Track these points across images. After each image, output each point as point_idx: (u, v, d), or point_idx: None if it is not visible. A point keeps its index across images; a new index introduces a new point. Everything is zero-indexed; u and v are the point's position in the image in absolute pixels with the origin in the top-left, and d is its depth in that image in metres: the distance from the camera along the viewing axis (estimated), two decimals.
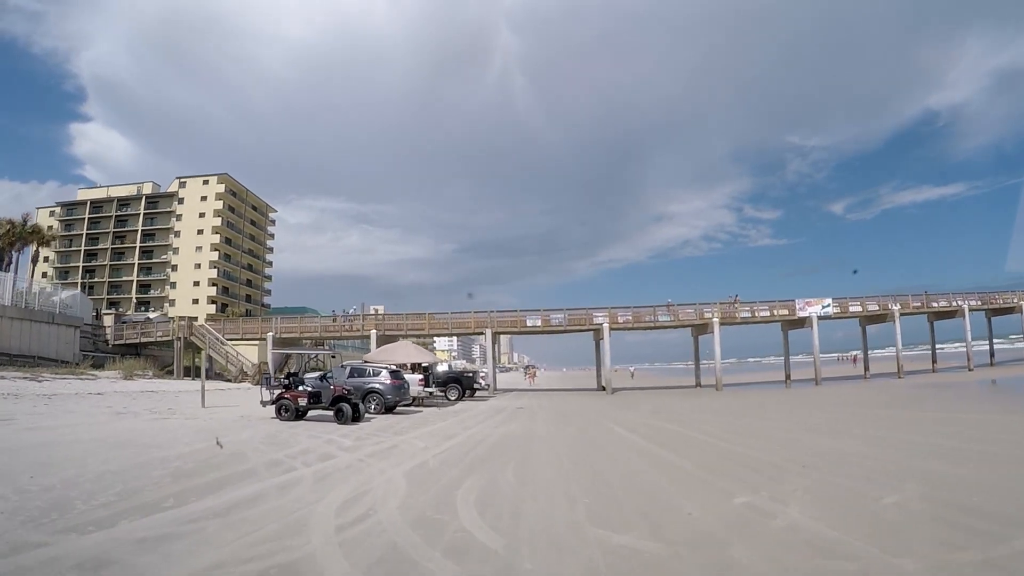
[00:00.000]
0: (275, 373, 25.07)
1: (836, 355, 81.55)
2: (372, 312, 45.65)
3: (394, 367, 21.89)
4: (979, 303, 42.65)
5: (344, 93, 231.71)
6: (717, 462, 9.31)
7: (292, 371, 19.20)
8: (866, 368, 42.31)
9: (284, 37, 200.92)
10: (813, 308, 38.65)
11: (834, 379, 39.11)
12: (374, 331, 39.59)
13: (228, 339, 41.60)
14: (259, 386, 18.01)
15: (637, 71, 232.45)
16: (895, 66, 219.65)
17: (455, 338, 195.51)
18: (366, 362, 23.88)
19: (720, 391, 34.98)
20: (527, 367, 73.63)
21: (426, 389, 23.89)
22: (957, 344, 58.17)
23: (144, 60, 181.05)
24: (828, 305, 39.01)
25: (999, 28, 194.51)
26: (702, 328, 39.67)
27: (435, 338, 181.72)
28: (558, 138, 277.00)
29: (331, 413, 16.41)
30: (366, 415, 19.10)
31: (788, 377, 40.31)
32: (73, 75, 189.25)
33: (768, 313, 40.06)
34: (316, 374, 19.91)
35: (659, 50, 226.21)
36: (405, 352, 25.66)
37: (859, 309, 40.64)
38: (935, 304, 42.00)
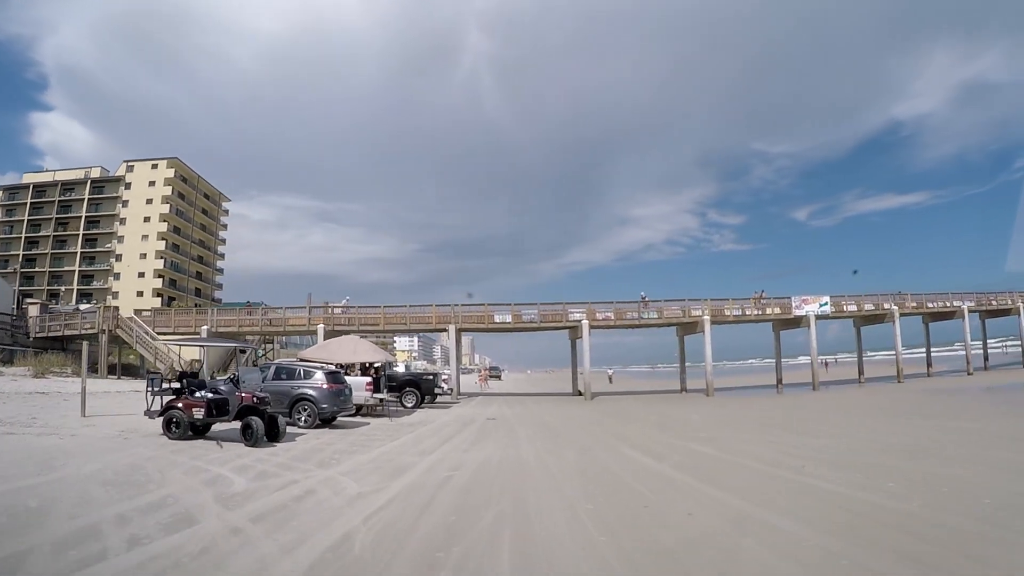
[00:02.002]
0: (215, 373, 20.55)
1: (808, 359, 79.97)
2: (321, 305, 40.89)
3: (333, 367, 17.69)
4: (975, 304, 40.49)
5: (313, 89, 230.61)
6: (856, 525, 5.55)
7: (188, 370, 14.76)
8: (860, 372, 39.70)
9: (255, 30, 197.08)
10: (810, 306, 35.76)
11: (826, 383, 36.15)
12: (322, 326, 35.31)
13: (160, 333, 36.74)
14: (146, 389, 13.54)
15: (608, 74, 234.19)
16: (863, 76, 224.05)
17: (416, 338, 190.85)
18: (302, 360, 19.66)
19: (711, 396, 31.67)
20: (484, 368, 68.62)
21: (375, 395, 19.75)
22: (945, 347, 56.86)
23: (110, 50, 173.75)
24: (826, 303, 36.17)
25: (967, 40, 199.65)
26: (690, 327, 36.34)
27: (395, 337, 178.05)
28: (526, 139, 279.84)
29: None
30: (297, 429, 15.02)
31: (780, 381, 37.28)
32: (36, 63, 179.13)
33: (760, 311, 37.01)
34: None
35: (631, 54, 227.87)
36: (351, 349, 21.36)
37: (855, 308, 37.95)
38: (932, 305, 39.64)
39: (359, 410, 20.36)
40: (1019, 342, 41.81)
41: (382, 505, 6.62)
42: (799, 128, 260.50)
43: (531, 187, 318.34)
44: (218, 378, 15.36)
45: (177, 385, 13.38)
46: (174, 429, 12.54)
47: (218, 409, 12.56)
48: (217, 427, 13.27)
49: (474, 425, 17.05)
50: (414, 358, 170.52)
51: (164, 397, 13.14)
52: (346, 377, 19.99)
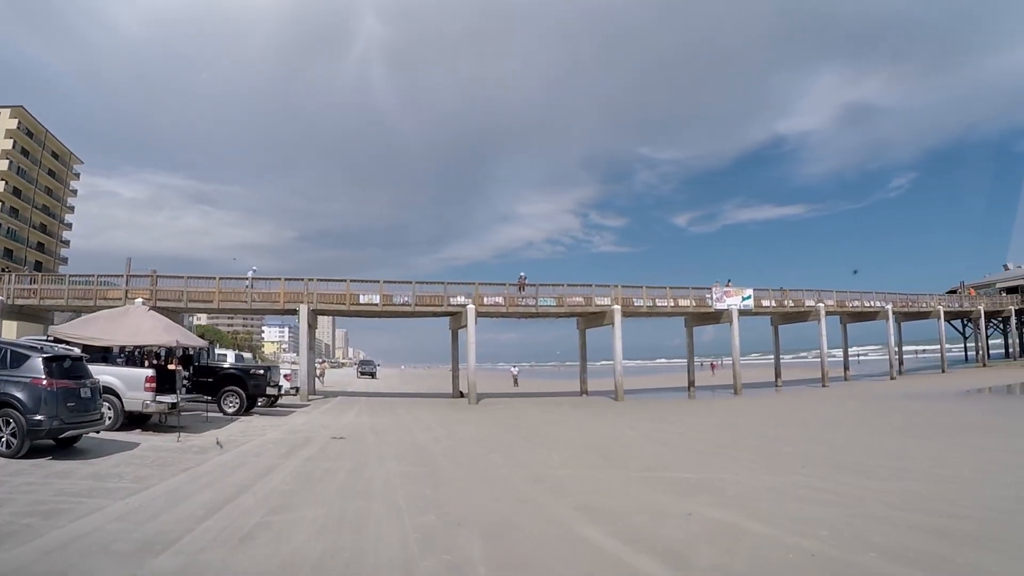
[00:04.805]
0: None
1: (699, 361, 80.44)
2: (146, 274, 32.42)
3: (76, 352, 11.16)
4: (892, 306, 39.69)
5: (198, 59, 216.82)
6: None
7: None
8: (778, 375, 37.58)
9: None
10: (732, 300, 32.79)
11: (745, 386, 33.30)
12: (140, 300, 27.57)
13: None
14: None
15: (501, 69, 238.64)
16: (750, 91, 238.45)
17: (287, 328, 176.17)
18: (56, 340, 13.04)
19: (623, 401, 27.66)
20: (323, 361, 59.13)
21: (161, 398, 13.44)
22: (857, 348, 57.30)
23: None
24: (748, 297, 33.38)
25: (853, 65, 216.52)
26: (595, 319, 32.19)
27: (264, 328, 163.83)
28: (413, 129, 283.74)
29: None
30: None
31: (692, 384, 34.28)
32: None
33: (672, 304, 33.52)
34: None
35: (526, 52, 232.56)
36: (134, 326, 14.84)
37: (773, 304, 35.54)
38: (853, 304, 38.29)
39: (144, 420, 14.09)
40: (936, 346, 41.80)
41: None
42: (685, 136, 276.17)
43: (415, 178, 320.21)
44: None
45: None
46: None
47: None
48: None
49: (306, 451, 11.35)
50: (284, 351, 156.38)
51: None
52: (115, 368, 13.79)
